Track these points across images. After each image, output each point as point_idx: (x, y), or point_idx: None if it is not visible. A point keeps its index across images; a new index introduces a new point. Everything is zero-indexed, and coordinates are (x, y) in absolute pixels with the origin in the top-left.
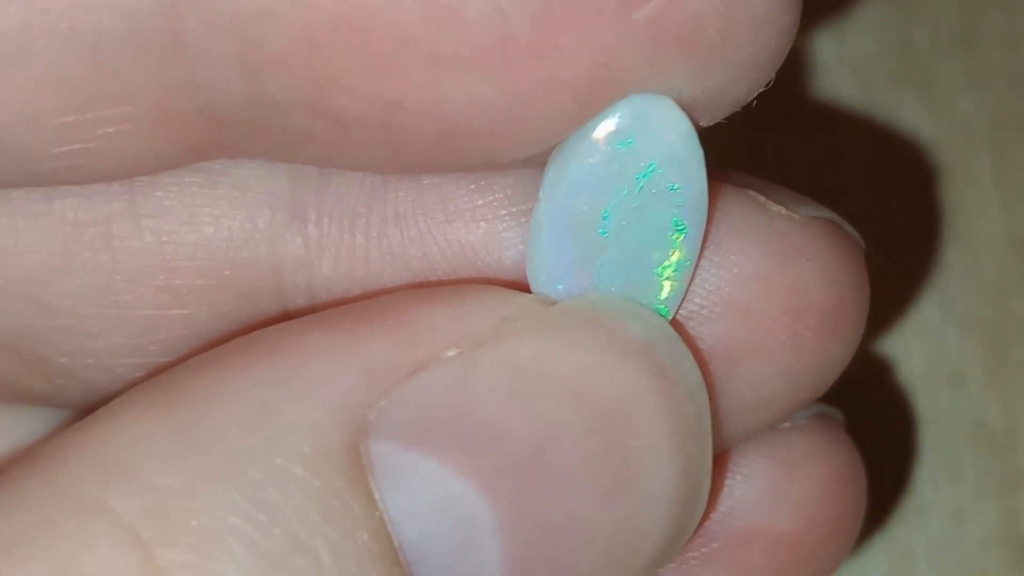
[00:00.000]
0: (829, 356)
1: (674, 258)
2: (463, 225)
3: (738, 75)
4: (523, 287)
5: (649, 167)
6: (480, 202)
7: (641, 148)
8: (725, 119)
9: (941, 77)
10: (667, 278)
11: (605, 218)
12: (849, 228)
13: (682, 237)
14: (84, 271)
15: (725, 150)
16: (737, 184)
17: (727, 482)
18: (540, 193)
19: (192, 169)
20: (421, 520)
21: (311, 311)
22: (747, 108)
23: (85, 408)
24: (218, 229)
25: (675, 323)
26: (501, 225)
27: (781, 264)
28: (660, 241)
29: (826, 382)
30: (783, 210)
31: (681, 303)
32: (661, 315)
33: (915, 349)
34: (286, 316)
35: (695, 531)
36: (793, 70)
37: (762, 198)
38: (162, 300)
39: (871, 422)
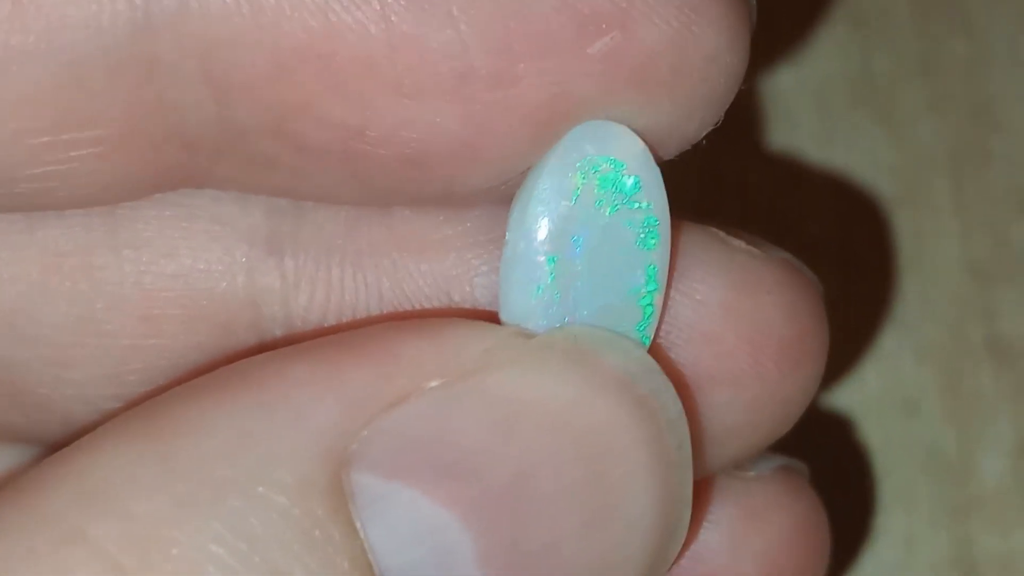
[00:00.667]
0: (791, 389)
1: (647, 278)
2: (434, 255)
3: (688, 111)
4: (495, 317)
5: (614, 186)
6: (449, 232)
7: (602, 169)
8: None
9: (901, 104)
10: (642, 301)
11: (576, 242)
12: (807, 270)
13: (652, 257)
14: (64, 301)
15: (685, 176)
16: (699, 221)
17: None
18: (507, 227)
19: (171, 203)
20: (402, 550)
21: (288, 342)
22: (709, 135)
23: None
24: (196, 261)
25: (658, 352)
26: (470, 254)
27: (743, 294)
28: (632, 261)
29: (789, 416)
30: (743, 244)
31: (658, 327)
32: (641, 342)
33: (870, 374)
34: (262, 347)
35: (675, 560)
36: (753, 97)
37: (722, 233)
38: (141, 330)
39: (825, 446)
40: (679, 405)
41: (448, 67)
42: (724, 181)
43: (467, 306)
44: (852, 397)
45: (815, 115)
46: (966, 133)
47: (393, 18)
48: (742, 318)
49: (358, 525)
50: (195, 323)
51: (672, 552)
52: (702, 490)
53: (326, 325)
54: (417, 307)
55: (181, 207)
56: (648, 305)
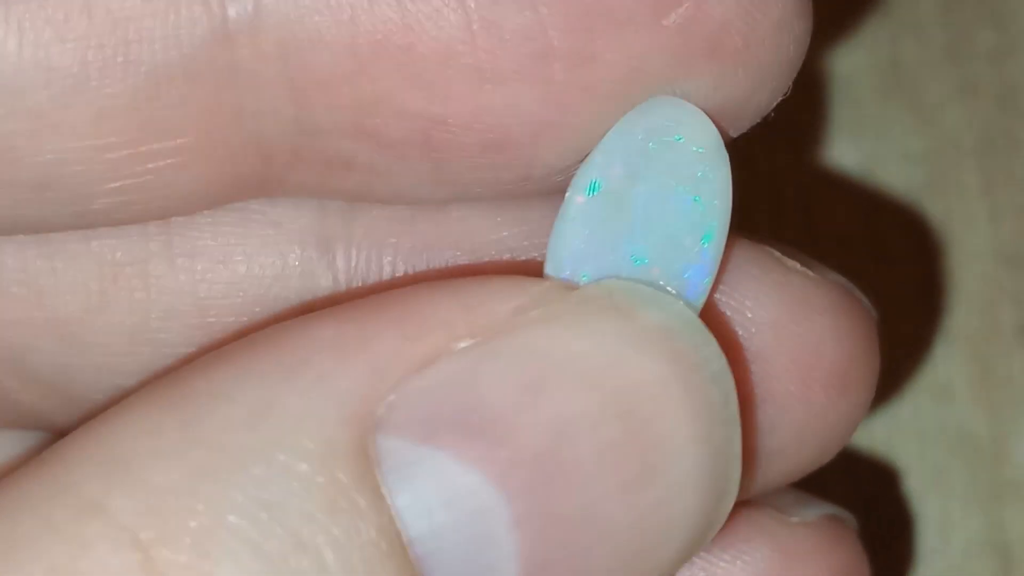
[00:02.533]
0: (837, 415)
1: (705, 243)
2: (488, 257)
3: (760, 80)
4: (536, 271)
5: (675, 151)
6: (506, 233)
7: (672, 137)
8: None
9: (929, 92)
10: (703, 241)
11: (635, 196)
12: (861, 296)
13: (708, 231)
14: (120, 310)
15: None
16: (758, 241)
17: (727, 566)
18: (569, 190)
19: (226, 209)
20: (432, 515)
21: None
22: None
23: None
24: (250, 267)
25: (708, 306)
26: (525, 257)
27: (794, 316)
28: (691, 225)
29: (835, 443)
30: (798, 266)
31: (712, 290)
32: (686, 301)
33: (903, 361)
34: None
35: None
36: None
37: (777, 253)
38: (195, 338)
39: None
40: (723, 360)
41: (527, 49)
42: (754, 171)
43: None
44: (884, 384)
45: (844, 105)
46: (994, 120)
47: (470, 3)
48: (792, 340)
49: (384, 491)
50: (249, 330)
51: (722, 514)
52: (738, 510)
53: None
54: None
55: (235, 211)
56: (705, 251)
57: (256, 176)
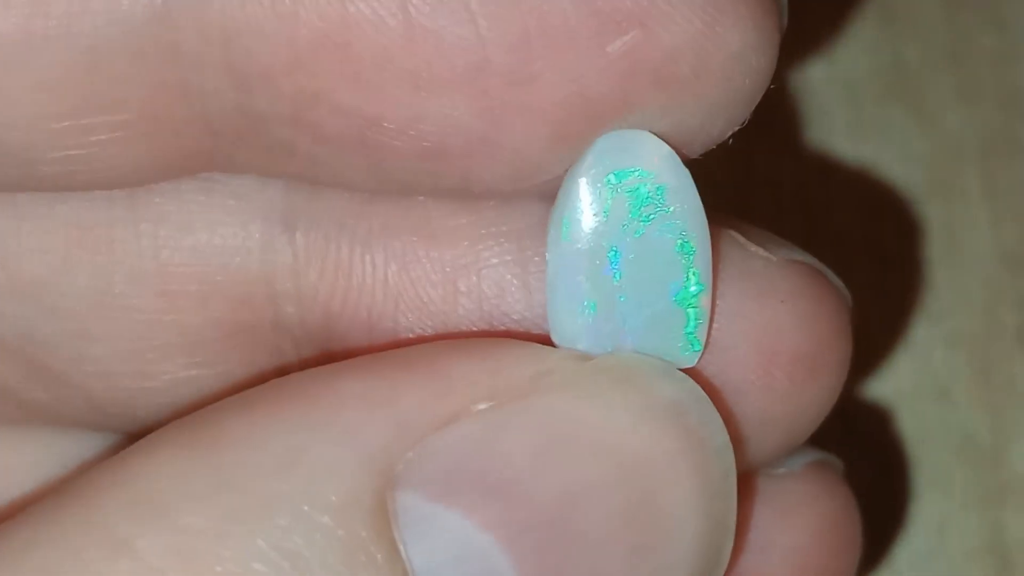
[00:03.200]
0: (804, 401)
1: (691, 282)
2: (445, 243)
3: (712, 112)
4: (543, 336)
5: (642, 193)
6: (463, 221)
7: (630, 177)
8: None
9: (931, 94)
10: (689, 304)
11: (614, 258)
12: (833, 277)
13: (692, 259)
14: (86, 274)
15: (716, 171)
16: (719, 224)
17: None
18: (546, 251)
19: (190, 177)
20: (443, 572)
21: (300, 320)
22: (739, 127)
23: (89, 426)
24: (212, 236)
25: (705, 382)
26: (481, 245)
27: (754, 303)
28: (672, 268)
29: (802, 429)
30: (761, 251)
31: (709, 330)
32: (694, 347)
33: (903, 364)
34: (276, 323)
35: None
36: (783, 89)
37: (741, 238)
38: (159, 305)
39: (858, 437)
40: (726, 435)
41: (464, 61)
42: (755, 174)
43: (474, 297)
44: (885, 386)
45: (846, 107)
46: (996, 124)
47: (411, 10)
48: (754, 327)
49: (401, 546)
50: (211, 299)
51: None
52: (742, 520)
53: (334, 304)
54: (420, 293)
55: (199, 180)
56: (695, 307)
57: (201, 153)
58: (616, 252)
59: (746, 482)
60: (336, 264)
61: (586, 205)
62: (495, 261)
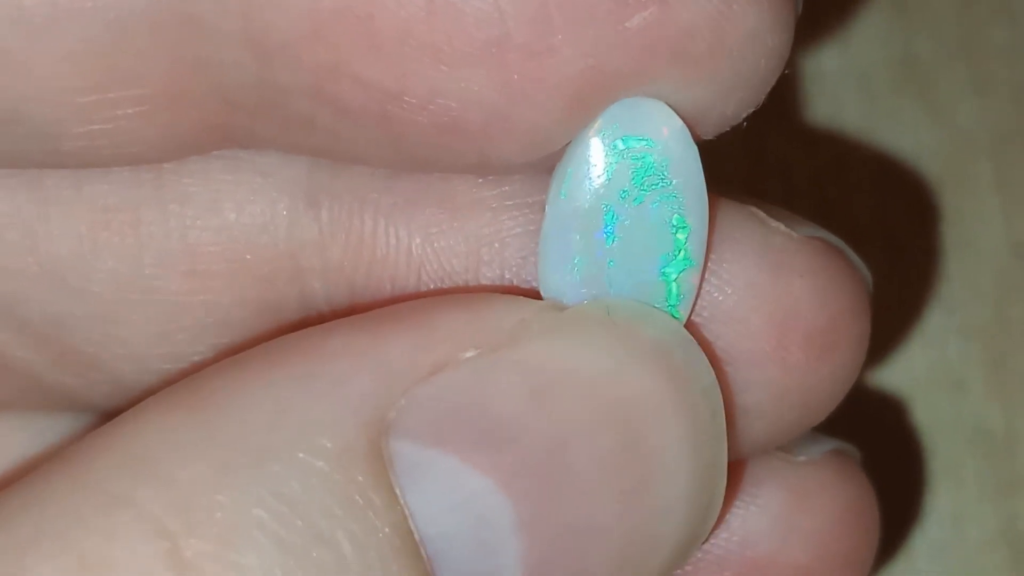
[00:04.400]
0: (819, 377)
1: (680, 257)
2: (468, 214)
3: (726, 91)
4: (532, 290)
5: (647, 163)
6: (486, 194)
7: (637, 145)
8: (729, 130)
9: (943, 87)
10: (675, 280)
11: (609, 221)
12: (853, 255)
13: (686, 235)
14: (113, 256)
15: (729, 160)
16: (740, 200)
17: (741, 512)
18: (546, 204)
19: (216, 156)
20: (441, 517)
21: (325, 296)
22: (749, 118)
23: (112, 411)
24: (240, 215)
25: (690, 325)
26: (505, 215)
27: (772, 277)
28: (664, 241)
29: (819, 406)
30: (781, 226)
31: (694, 304)
32: (675, 317)
33: (916, 355)
34: (303, 300)
35: (711, 534)
36: (796, 80)
37: (762, 213)
38: (187, 285)
39: (873, 427)
40: (712, 375)
41: (484, 35)
42: (768, 164)
43: (496, 267)
44: (899, 377)
45: (858, 98)
46: (1008, 115)
47: None
48: (769, 301)
49: (398, 492)
50: (239, 277)
51: (708, 524)
52: (734, 472)
53: (358, 278)
54: (446, 265)
55: (225, 159)
56: (681, 284)
57: (223, 126)
58: (612, 215)
59: (762, 461)
60: (360, 237)
61: (590, 165)
62: (519, 231)
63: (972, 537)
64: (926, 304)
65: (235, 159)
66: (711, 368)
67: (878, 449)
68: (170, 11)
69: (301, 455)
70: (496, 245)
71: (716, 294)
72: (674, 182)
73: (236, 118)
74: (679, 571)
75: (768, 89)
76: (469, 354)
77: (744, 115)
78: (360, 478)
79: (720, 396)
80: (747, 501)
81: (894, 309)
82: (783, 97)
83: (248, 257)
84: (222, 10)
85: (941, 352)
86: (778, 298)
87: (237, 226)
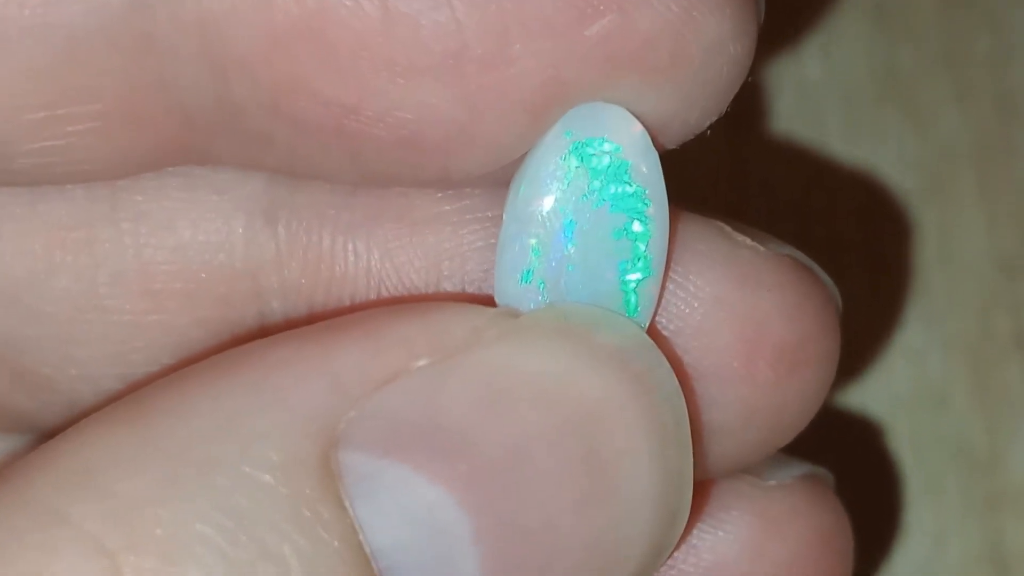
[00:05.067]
0: (787, 395)
1: (639, 265)
2: (428, 230)
3: (689, 99)
4: (491, 302)
5: (607, 166)
6: (446, 208)
7: (597, 148)
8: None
9: (925, 97)
10: (634, 288)
11: (568, 226)
12: (821, 272)
13: (646, 243)
14: (67, 275)
15: (711, 170)
16: (708, 215)
17: (709, 537)
18: (505, 208)
19: (171, 174)
20: (394, 528)
21: (284, 316)
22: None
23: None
24: (195, 233)
25: (652, 331)
26: (465, 230)
27: (740, 291)
28: (623, 248)
29: (787, 425)
30: (748, 241)
31: (653, 315)
32: (634, 317)
33: (899, 369)
34: (261, 319)
35: (677, 546)
36: (778, 90)
37: (728, 228)
38: (143, 305)
39: (854, 442)
40: (675, 382)
41: (442, 47)
42: (750, 176)
43: (456, 281)
44: (880, 392)
45: (840, 109)
46: (990, 126)
47: None
48: (737, 316)
49: (347, 504)
50: (195, 297)
51: (674, 535)
52: (700, 492)
53: (317, 297)
54: (407, 281)
55: (180, 176)
56: (640, 293)
57: (179, 144)
58: (571, 221)
59: (731, 486)
60: (319, 255)
61: (548, 169)
62: (480, 244)
63: (955, 554)
64: (908, 318)
65: (190, 176)
66: (674, 374)
67: (858, 466)
68: (125, 29)
69: (247, 468)
70: (457, 259)
71: (683, 307)
72: (634, 187)
73: (193, 135)
74: None
75: (731, 96)
76: (421, 363)
77: (707, 123)
78: (308, 491)
79: (684, 403)
80: (715, 526)
81: (876, 323)
82: (765, 108)
83: (204, 276)
84: (177, 27)
85: (923, 367)
86: (746, 312)
87: (192, 245)
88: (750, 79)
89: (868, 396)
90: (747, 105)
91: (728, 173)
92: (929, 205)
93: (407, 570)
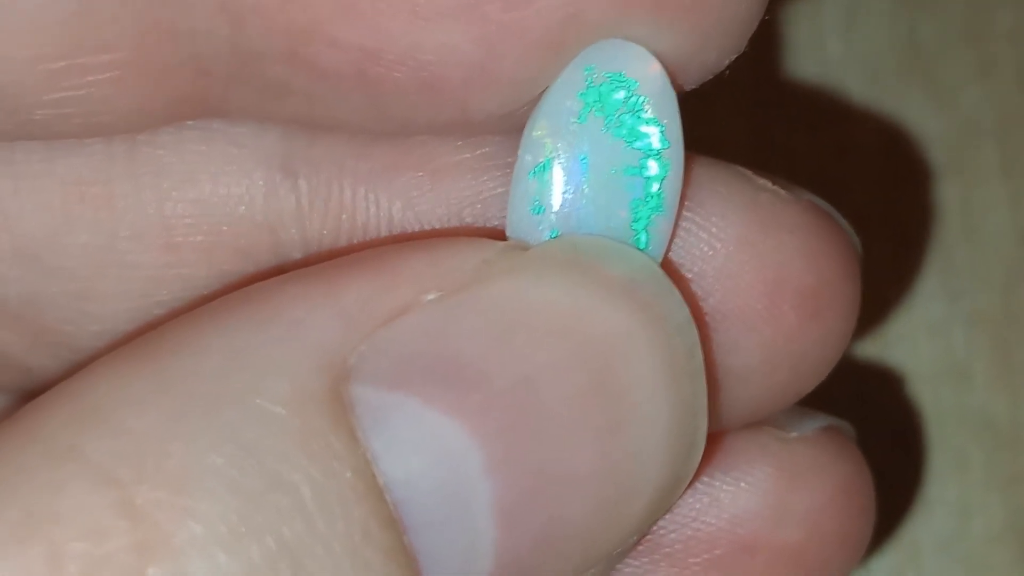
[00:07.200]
0: (810, 339)
1: (652, 203)
2: (448, 178)
3: (708, 37)
4: (500, 233)
5: (623, 100)
6: (466, 155)
7: (614, 82)
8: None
9: (948, 72)
10: (646, 226)
11: (583, 161)
12: (841, 219)
13: (660, 180)
14: (87, 231)
15: (733, 143)
16: (729, 159)
17: (731, 489)
18: (521, 140)
19: (190, 127)
20: (406, 459)
21: (305, 265)
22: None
23: None
24: (215, 186)
25: (666, 268)
26: (486, 176)
27: (761, 232)
28: (637, 184)
29: (810, 371)
30: (769, 184)
31: (665, 252)
32: (647, 252)
33: (922, 344)
34: (282, 271)
35: (692, 482)
36: (801, 65)
37: (749, 172)
38: (163, 259)
39: (878, 418)
40: (686, 311)
41: None
42: (773, 150)
43: (479, 227)
44: (904, 367)
45: (863, 84)
46: (1013, 100)
47: None
48: (759, 257)
49: (360, 436)
50: (216, 250)
51: (690, 467)
52: (715, 440)
53: (339, 246)
54: (427, 229)
55: (199, 130)
56: (651, 231)
57: (196, 95)
58: (585, 156)
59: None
60: (340, 206)
61: (565, 105)
62: (500, 191)
63: (978, 529)
64: (931, 292)
65: (209, 130)
66: (685, 305)
67: (881, 437)
68: None
69: (257, 400)
70: (478, 207)
71: (705, 248)
72: (650, 124)
73: (210, 85)
74: (666, 548)
75: (749, 34)
76: (431, 296)
77: (726, 63)
78: (319, 422)
79: (696, 334)
80: (737, 479)
81: (899, 297)
82: (788, 83)
83: (224, 229)
84: None
85: (947, 341)
86: (769, 254)
87: (213, 197)
88: (767, 17)
89: (891, 370)
90: (769, 80)
91: (751, 148)
92: (952, 180)
93: (420, 501)
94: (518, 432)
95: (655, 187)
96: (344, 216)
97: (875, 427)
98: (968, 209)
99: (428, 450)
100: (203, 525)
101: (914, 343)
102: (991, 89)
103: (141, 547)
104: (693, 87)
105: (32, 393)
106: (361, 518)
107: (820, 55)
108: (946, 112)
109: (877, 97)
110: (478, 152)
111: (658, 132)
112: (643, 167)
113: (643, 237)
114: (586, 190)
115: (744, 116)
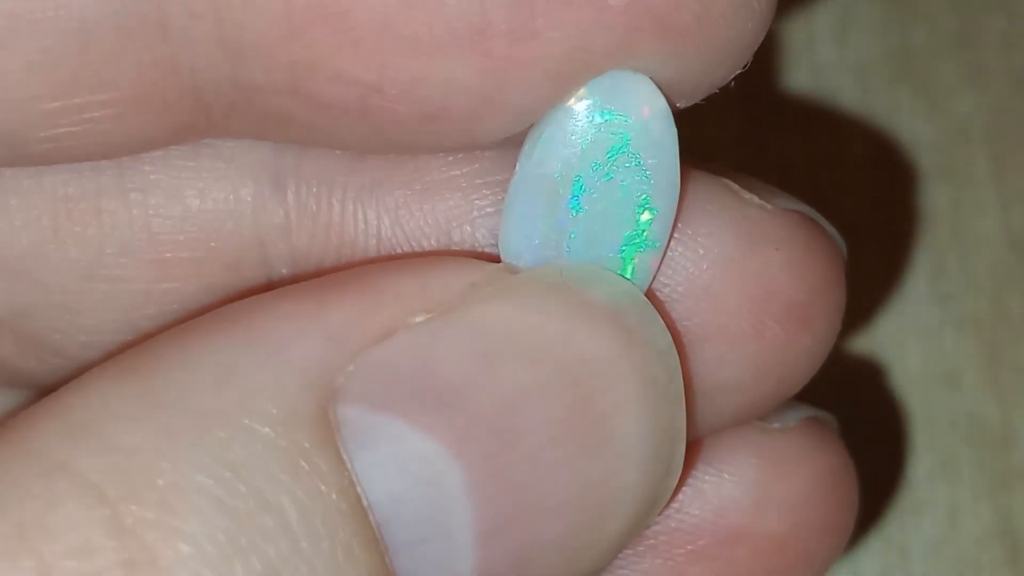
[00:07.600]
0: (797, 350)
1: (643, 239)
2: (438, 195)
3: (714, 59)
4: (494, 259)
5: (623, 140)
6: (456, 173)
7: (616, 121)
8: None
9: (939, 78)
10: (633, 258)
11: (577, 190)
12: (828, 226)
13: (652, 217)
14: (75, 246)
15: (726, 149)
16: (715, 173)
17: (714, 480)
18: (516, 165)
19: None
20: (390, 481)
21: (294, 280)
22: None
23: None
24: (203, 201)
25: (647, 292)
26: (475, 195)
27: (748, 249)
28: (629, 220)
29: (796, 378)
30: (756, 199)
31: (650, 283)
32: (633, 281)
33: (912, 348)
34: (270, 286)
35: (670, 501)
36: (794, 71)
37: (736, 186)
38: (151, 274)
39: (867, 420)
40: (668, 337)
41: (465, 22)
42: (764, 156)
43: (467, 247)
44: (894, 370)
45: (855, 90)
46: (1004, 107)
47: None
48: (746, 274)
49: (345, 457)
50: (204, 265)
51: (667, 489)
52: (692, 451)
53: (327, 263)
54: (416, 247)
55: (188, 146)
56: (639, 264)
57: (195, 125)
58: (581, 186)
59: (736, 430)
60: (328, 222)
61: (565, 133)
62: (490, 210)
63: (967, 532)
64: (921, 296)
65: (197, 145)
66: (667, 331)
67: (870, 438)
68: (136, 16)
69: (245, 420)
70: (467, 226)
71: (692, 268)
72: (648, 163)
73: (208, 117)
74: (650, 540)
75: (753, 51)
76: (419, 318)
77: (730, 78)
78: (306, 443)
79: (677, 359)
80: (720, 470)
81: (889, 301)
82: (780, 89)
83: (213, 244)
84: (191, 13)
85: (936, 345)
86: (755, 272)
87: (200, 213)
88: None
89: (881, 375)
90: (762, 86)
91: (744, 155)
92: (942, 185)
93: (403, 521)
94: (500, 455)
95: (647, 222)
96: (332, 232)
97: (865, 430)
98: (958, 213)
99: (411, 471)
100: (191, 545)
101: (904, 346)
102: (982, 95)
103: (129, 566)
104: (696, 102)
105: (22, 391)
106: (345, 539)
107: (812, 61)
108: (937, 117)
109: (869, 103)
110: (468, 169)
111: (655, 170)
112: (637, 203)
113: (630, 268)
114: (578, 221)
115: (736, 122)
